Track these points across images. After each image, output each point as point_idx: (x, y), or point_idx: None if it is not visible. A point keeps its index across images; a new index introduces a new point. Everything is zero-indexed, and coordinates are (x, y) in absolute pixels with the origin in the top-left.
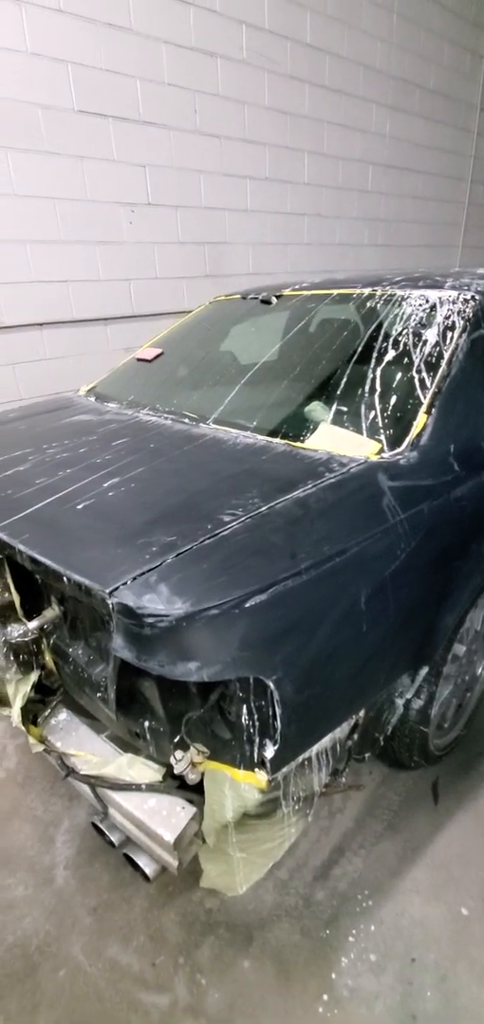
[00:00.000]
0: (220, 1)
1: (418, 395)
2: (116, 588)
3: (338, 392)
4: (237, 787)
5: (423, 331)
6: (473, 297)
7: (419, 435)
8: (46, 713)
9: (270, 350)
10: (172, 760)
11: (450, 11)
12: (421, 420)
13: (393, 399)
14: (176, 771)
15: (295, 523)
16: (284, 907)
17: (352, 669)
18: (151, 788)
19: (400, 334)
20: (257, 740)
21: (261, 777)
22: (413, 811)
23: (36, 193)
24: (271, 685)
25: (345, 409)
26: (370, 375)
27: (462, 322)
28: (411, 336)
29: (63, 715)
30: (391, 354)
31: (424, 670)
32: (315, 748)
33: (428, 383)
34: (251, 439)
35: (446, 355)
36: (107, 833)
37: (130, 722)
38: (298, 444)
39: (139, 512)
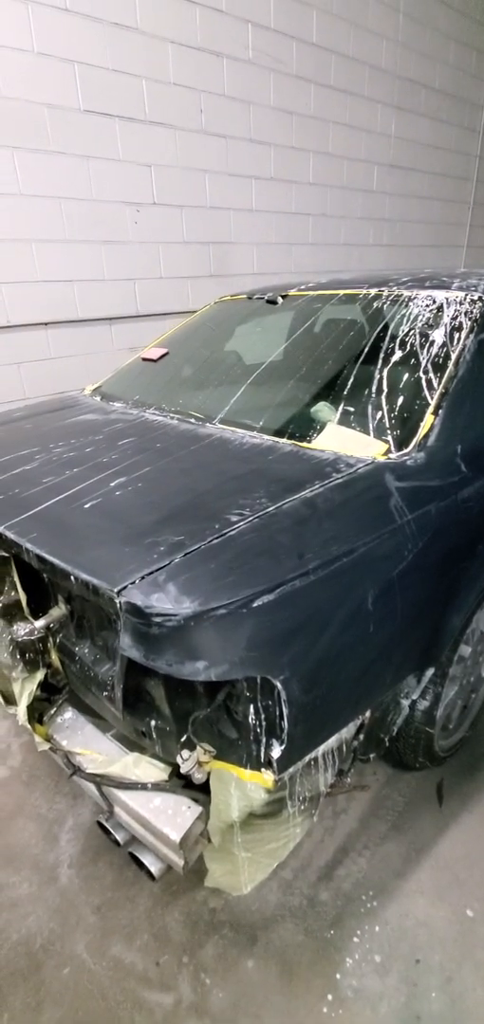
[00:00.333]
0: (226, 1)
1: (425, 396)
2: (124, 587)
3: (345, 392)
4: (243, 787)
5: (430, 332)
6: (480, 298)
7: (426, 436)
8: (52, 712)
9: (276, 350)
10: (178, 759)
11: (456, 10)
12: (428, 421)
13: (400, 400)
14: (182, 770)
15: (302, 523)
16: (288, 907)
17: (359, 669)
18: (157, 787)
19: (407, 335)
20: (264, 740)
21: (267, 777)
22: (418, 812)
23: (42, 193)
24: (278, 685)
25: (352, 409)
26: (377, 376)
27: (469, 323)
28: (418, 337)
29: (69, 714)
30: (398, 355)
31: (430, 671)
32: (321, 748)
33: (435, 384)
34: (257, 439)
35: (453, 356)
36: (113, 832)
37: (136, 721)
38: (305, 444)
39: (146, 511)
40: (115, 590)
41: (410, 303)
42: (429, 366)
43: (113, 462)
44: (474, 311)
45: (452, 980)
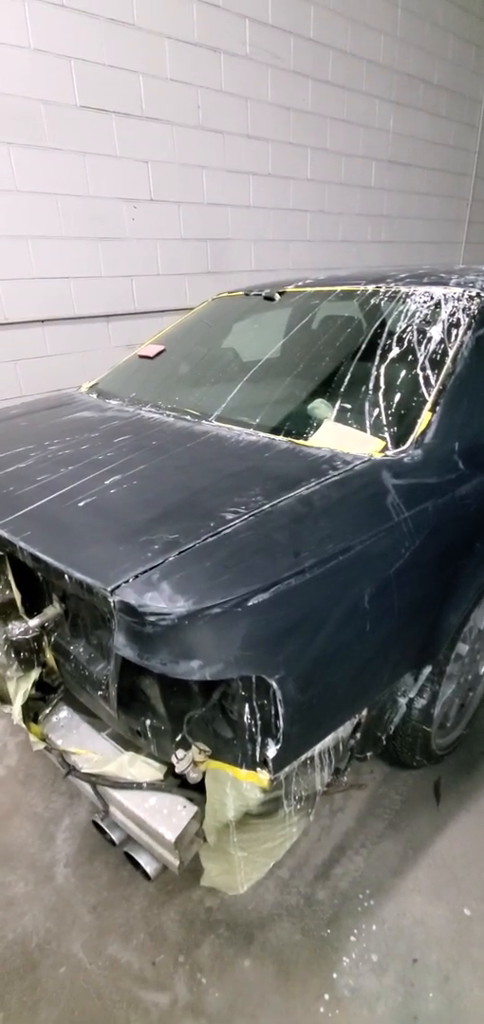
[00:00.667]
0: None
1: (422, 392)
2: (118, 586)
3: (342, 389)
4: (239, 786)
5: (427, 328)
6: (478, 294)
7: (423, 433)
8: (47, 711)
9: (273, 347)
10: (174, 759)
11: (455, 5)
12: (425, 418)
13: (397, 396)
14: (177, 770)
15: (298, 521)
16: (285, 906)
17: (355, 668)
18: (152, 787)
19: (404, 331)
20: (259, 739)
21: (263, 776)
22: (415, 811)
23: (38, 189)
24: (274, 684)
25: (349, 406)
26: (374, 372)
27: (467, 319)
28: (415, 333)
29: (64, 713)
30: (395, 351)
31: (427, 669)
32: (317, 747)
33: (433, 380)
34: (254, 436)
35: (451, 352)
36: (108, 831)
37: (131, 720)
38: (301, 442)
39: (141, 509)
40: (109, 589)
41: (408, 299)
42: (427, 363)
43: (108, 460)
44: (472, 307)
45: (449, 979)
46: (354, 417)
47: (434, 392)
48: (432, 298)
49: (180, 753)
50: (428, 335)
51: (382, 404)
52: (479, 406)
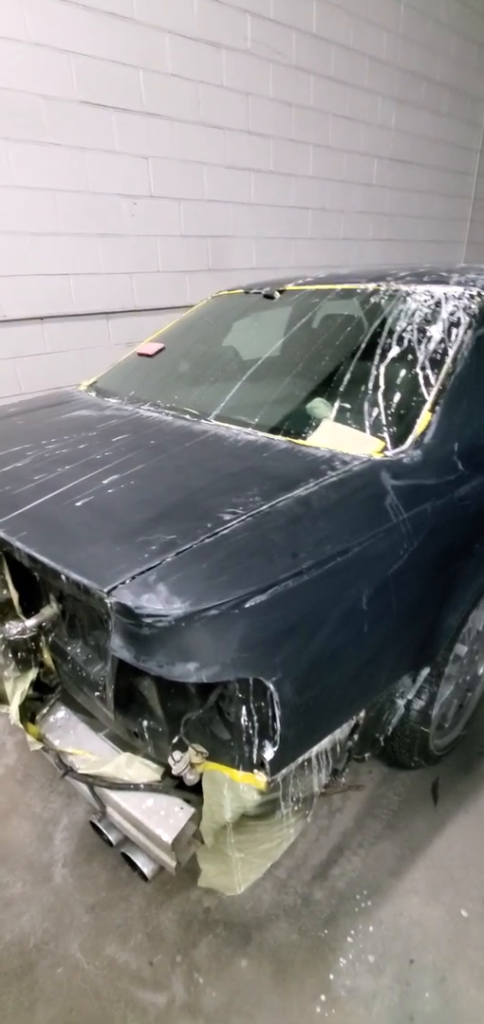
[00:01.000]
0: None
1: (422, 392)
2: (114, 587)
3: (341, 389)
4: (236, 788)
5: (428, 327)
6: (479, 293)
7: (423, 433)
8: (44, 711)
9: (272, 346)
10: (171, 760)
11: (458, 1)
12: (425, 418)
13: (397, 396)
14: (175, 771)
15: (296, 522)
16: (282, 906)
17: (353, 670)
18: (149, 788)
19: (404, 330)
20: (256, 741)
21: (260, 778)
22: (413, 811)
23: (37, 185)
24: (271, 686)
25: (348, 406)
26: (374, 372)
27: (467, 318)
28: (415, 332)
29: (61, 713)
30: (395, 351)
31: (426, 671)
32: (315, 749)
33: (432, 380)
34: (252, 436)
35: (451, 352)
36: (105, 832)
37: (128, 721)
38: (300, 441)
39: (138, 510)
40: (105, 590)
41: (408, 298)
42: (427, 362)
43: (106, 459)
44: (472, 306)
45: (445, 980)
46: (353, 417)
47: (434, 392)
48: (432, 297)
49: (177, 755)
50: (428, 334)
51: (381, 404)
52: (479, 406)
